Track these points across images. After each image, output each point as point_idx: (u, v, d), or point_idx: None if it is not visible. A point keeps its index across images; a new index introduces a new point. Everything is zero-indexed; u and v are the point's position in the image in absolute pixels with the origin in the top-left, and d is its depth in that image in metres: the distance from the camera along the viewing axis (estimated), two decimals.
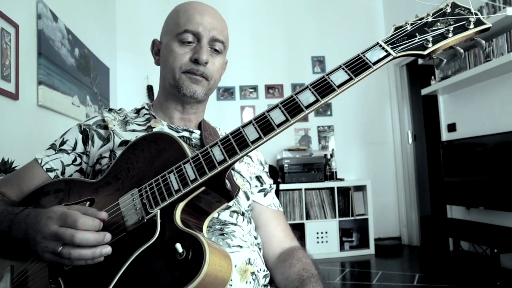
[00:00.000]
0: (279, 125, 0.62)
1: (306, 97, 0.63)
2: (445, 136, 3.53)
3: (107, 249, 0.62)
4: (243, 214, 0.88)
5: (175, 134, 0.76)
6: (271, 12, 4.35)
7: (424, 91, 3.53)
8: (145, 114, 0.97)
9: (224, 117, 4.11)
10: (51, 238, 0.61)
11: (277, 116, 0.63)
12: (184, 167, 0.67)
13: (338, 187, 3.80)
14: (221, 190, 0.69)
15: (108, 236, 0.63)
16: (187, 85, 0.88)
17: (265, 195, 0.98)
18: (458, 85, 3.20)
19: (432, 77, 3.49)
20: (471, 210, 3.14)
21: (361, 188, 3.95)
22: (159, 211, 0.66)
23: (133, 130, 0.92)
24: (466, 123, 3.28)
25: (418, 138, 4.47)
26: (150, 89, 3.99)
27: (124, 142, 0.88)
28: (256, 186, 0.99)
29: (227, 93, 4.25)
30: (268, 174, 1.05)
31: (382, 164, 4.29)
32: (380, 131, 4.34)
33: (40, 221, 0.64)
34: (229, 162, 0.64)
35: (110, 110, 0.97)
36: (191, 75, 0.88)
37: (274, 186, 1.04)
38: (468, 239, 2.89)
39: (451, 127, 3.46)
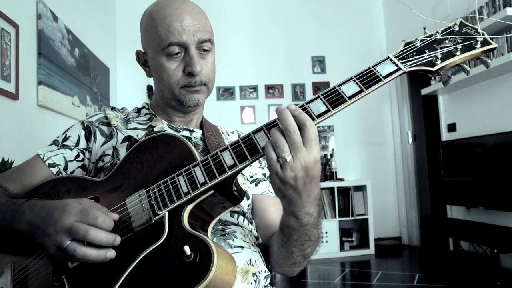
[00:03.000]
0: None
1: (317, 107, 0.64)
2: (445, 136, 3.53)
3: (112, 253, 0.62)
4: (243, 214, 0.87)
5: (181, 136, 0.76)
6: (271, 12, 4.35)
7: (424, 91, 3.53)
8: (146, 113, 0.97)
9: (224, 117, 4.11)
10: (63, 231, 0.61)
11: None
12: (194, 170, 0.67)
13: (338, 187, 3.81)
14: (228, 194, 0.69)
15: (118, 239, 0.63)
16: (189, 97, 0.87)
17: (256, 185, 0.97)
18: (458, 85, 3.20)
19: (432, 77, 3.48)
20: (471, 210, 3.14)
21: (361, 188, 3.95)
22: (167, 212, 0.66)
23: (135, 128, 0.93)
24: (466, 123, 3.28)
25: (418, 138, 4.47)
26: (150, 89, 3.99)
27: (127, 138, 0.89)
28: (247, 179, 0.97)
29: (227, 93, 4.25)
30: (267, 166, 1.03)
31: (382, 164, 4.30)
32: (380, 131, 4.34)
33: (53, 214, 0.63)
34: (239, 167, 0.64)
35: (113, 108, 0.98)
36: (190, 88, 0.86)
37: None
38: (468, 239, 2.90)
39: (451, 127, 3.46)
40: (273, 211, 0.92)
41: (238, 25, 4.27)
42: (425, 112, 4.77)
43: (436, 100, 3.63)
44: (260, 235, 0.91)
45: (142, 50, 0.95)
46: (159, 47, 0.84)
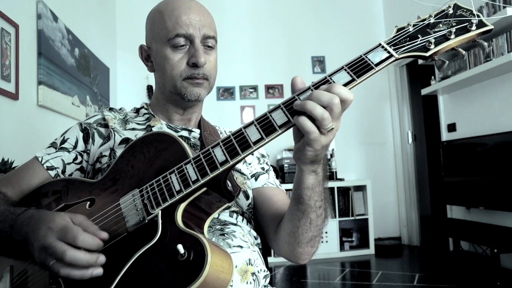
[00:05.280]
0: (281, 126, 0.62)
1: None
2: (445, 136, 3.53)
3: (98, 271, 0.60)
4: (243, 214, 0.88)
5: (174, 134, 0.76)
6: (271, 12, 4.35)
7: (424, 91, 3.53)
8: (144, 113, 0.98)
9: (224, 117, 4.11)
10: (44, 250, 0.60)
11: (279, 117, 0.62)
12: (186, 167, 0.67)
13: (338, 187, 3.80)
14: (222, 191, 0.69)
15: (101, 259, 0.60)
16: (190, 90, 0.87)
17: (256, 179, 0.97)
18: (458, 85, 3.20)
19: (432, 77, 3.49)
20: (471, 210, 3.14)
21: (361, 188, 3.95)
22: (160, 211, 0.65)
23: (133, 129, 0.93)
24: (466, 123, 3.28)
25: (418, 138, 4.48)
26: (150, 89, 3.99)
27: (124, 140, 0.89)
28: (248, 178, 0.97)
29: (227, 93, 4.25)
30: (265, 162, 1.03)
31: (382, 164, 4.29)
32: (380, 131, 4.34)
33: (40, 229, 0.63)
34: (231, 162, 0.63)
35: (111, 109, 0.98)
36: (192, 80, 0.87)
37: (271, 169, 1.02)
38: (468, 239, 2.89)
39: (451, 127, 3.46)
40: (278, 200, 0.92)
41: (238, 25, 4.26)
42: (425, 112, 4.77)
43: (436, 100, 3.63)
44: (267, 226, 0.90)
45: (146, 45, 0.95)
46: (165, 38, 0.86)
